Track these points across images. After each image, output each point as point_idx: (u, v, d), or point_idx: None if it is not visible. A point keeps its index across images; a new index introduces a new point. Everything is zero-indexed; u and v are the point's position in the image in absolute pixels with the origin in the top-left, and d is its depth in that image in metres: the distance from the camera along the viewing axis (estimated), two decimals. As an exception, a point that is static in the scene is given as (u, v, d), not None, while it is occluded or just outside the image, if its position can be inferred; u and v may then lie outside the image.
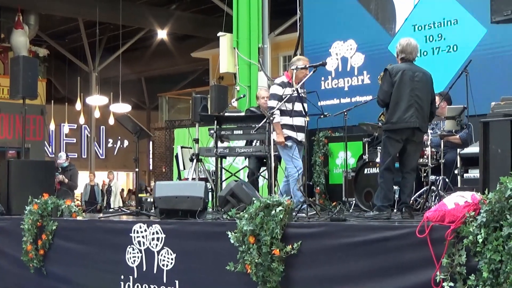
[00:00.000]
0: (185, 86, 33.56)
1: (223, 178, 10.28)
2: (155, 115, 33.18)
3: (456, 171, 8.96)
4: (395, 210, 8.33)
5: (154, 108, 35.49)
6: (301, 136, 9.39)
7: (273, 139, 9.04)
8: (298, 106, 9.14)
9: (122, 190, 26.96)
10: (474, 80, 9.27)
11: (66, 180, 15.22)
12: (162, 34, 28.40)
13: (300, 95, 8.99)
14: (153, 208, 8.86)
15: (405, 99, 7.70)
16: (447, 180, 9.04)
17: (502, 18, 6.50)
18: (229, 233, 7.04)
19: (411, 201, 9.24)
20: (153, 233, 7.97)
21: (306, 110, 9.17)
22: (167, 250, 7.83)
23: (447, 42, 11.35)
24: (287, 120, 9.30)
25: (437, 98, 9.71)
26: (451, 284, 5.37)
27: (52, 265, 9.21)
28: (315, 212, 8.34)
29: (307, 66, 9.33)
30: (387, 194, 7.74)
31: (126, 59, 29.10)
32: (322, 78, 12.97)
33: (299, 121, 9.31)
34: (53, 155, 31.70)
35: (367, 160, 10.36)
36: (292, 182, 9.26)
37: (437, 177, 9.02)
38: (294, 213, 7.30)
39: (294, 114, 9.21)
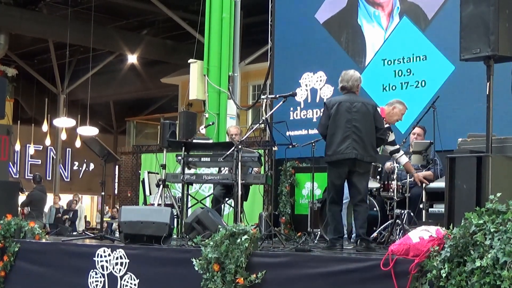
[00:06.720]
0: (153, 111, 33.46)
1: (189, 205, 10.25)
2: (122, 139, 32.99)
3: (421, 205, 9.02)
4: (347, 243, 8.38)
5: (121, 132, 35.29)
6: None
7: None
8: None
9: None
10: (442, 116, 9.36)
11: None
12: (132, 58, 28.34)
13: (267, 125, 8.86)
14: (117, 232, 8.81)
15: (341, 131, 7.75)
16: (412, 214, 9.09)
17: (471, 56, 6.57)
18: (193, 260, 7.02)
19: (375, 234, 9.30)
20: (117, 258, 7.92)
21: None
22: (131, 275, 7.78)
23: (415, 77, 11.47)
24: None
25: (419, 130, 9.78)
26: (414, 317, 5.40)
27: (13, 287, 9.08)
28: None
29: (277, 96, 9.37)
30: (337, 227, 7.79)
31: (95, 82, 28.97)
32: (291, 109, 13.02)
33: None
34: (17, 176, 31.36)
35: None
36: None
37: (402, 211, 9.07)
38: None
39: None
